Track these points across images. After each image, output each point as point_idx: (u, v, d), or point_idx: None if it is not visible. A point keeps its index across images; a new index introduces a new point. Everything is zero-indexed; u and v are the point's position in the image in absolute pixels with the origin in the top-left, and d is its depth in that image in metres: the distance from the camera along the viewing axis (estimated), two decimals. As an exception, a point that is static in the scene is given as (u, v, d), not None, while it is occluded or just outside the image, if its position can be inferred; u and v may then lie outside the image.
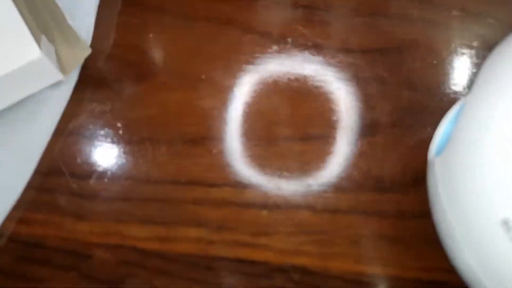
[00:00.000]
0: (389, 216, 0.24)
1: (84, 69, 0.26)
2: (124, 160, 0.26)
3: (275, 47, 0.27)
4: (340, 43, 0.27)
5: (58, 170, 0.25)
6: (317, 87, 0.26)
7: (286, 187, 0.25)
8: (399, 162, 0.25)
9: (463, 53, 0.26)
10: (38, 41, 0.22)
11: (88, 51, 0.24)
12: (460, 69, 0.26)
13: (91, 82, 0.26)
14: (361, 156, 0.25)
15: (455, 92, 0.26)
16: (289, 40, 0.27)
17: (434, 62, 0.26)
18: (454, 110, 0.19)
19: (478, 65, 0.26)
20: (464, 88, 0.26)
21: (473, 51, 0.26)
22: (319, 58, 0.27)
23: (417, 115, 0.25)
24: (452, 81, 0.26)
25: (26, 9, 0.23)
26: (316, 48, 0.27)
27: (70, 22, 0.25)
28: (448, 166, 0.17)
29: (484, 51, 0.26)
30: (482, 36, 0.26)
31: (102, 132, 0.26)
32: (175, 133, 0.25)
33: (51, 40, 0.24)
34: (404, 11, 0.27)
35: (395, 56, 0.26)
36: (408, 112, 0.25)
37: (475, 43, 0.26)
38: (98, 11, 0.26)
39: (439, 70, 0.26)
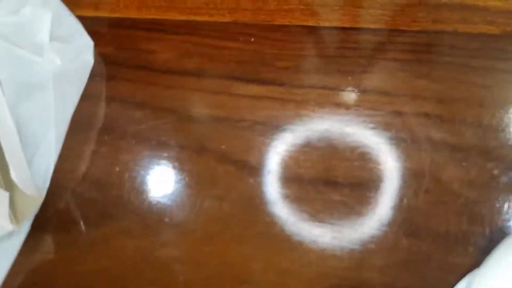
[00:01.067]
0: None
1: (43, 211, 0.24)
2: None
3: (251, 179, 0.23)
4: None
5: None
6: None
7: None
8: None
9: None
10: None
11: (39, 201, 0.23)
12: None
13: (47, 226, 0.24)
14: None
15: None
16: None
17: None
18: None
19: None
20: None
21: None
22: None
23: None
24: None
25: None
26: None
27: (14, 177, 0.22)
28: None
29: None
30: None
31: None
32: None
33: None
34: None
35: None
36: None
37: None
38: (67, 140, 0.25)
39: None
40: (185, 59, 0.27)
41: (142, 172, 0.25)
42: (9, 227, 0.22)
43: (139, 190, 0.25)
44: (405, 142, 0.24)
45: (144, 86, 0.27)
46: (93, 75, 0.27)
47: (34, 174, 0.23)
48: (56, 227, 0.24)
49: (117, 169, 0.25)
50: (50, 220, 0.24)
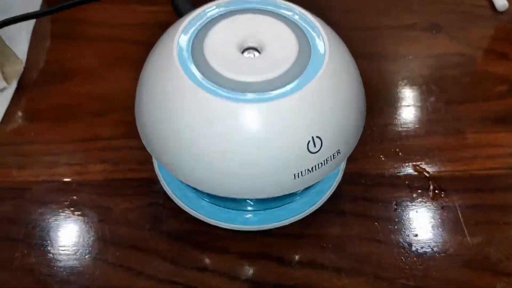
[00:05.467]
0: None
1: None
2: None
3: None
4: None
5: None
6: None
7: None
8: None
9: None
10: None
11: (22, 66, 0.33)
12: None
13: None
14: None
15: None
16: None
17: None
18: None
19: None
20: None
21: None
22: None
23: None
24: None
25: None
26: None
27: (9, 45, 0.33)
28: None
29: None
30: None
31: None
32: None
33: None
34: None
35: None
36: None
37: None
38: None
39: None
40: None
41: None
42: (3, 83, 0.32)
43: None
44: None
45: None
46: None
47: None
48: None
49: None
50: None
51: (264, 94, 0.19)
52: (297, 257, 0.25)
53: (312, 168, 0.20)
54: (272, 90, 0.20)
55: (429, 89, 0.33)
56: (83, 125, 0.30)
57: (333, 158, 0.21)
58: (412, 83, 0.33)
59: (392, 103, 0.32)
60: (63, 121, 0.31)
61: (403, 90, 0.33)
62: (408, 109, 0.32)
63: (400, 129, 0.31)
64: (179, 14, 0.28)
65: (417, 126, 0.31)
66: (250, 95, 0.19)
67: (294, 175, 0.20)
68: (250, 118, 0.19)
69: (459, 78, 0.33)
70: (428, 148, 0.30)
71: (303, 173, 0.20)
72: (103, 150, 0.29)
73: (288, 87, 0.20)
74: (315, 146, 0.20)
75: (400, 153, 0.29)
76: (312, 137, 0.20)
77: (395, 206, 0.27)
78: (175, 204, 0.26)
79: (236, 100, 0.19)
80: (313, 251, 0.25)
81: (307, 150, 0.20)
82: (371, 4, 0.38)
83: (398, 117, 0.31)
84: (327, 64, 0.20)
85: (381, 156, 0.29)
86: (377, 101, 0.32)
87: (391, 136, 0.30)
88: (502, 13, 0.38)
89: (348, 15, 0.37)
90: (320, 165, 0.20)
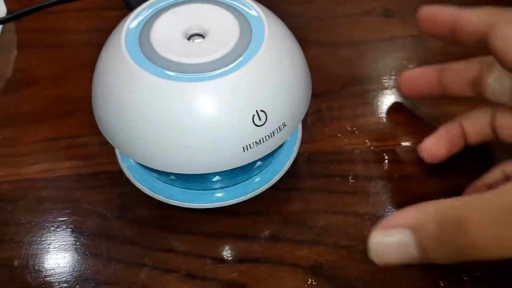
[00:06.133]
0: None
1: None
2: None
3: None
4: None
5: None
6: None
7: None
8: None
9: None
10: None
11: None
12: None
13: None
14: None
15: None
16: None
17: None
18: None
19: None
20: None
21: None
22: None
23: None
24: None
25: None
26: None
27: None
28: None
29: None
30: None
31: None
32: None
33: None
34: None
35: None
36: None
37: None
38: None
39: None
40: None
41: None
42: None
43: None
44: None
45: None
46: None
47: None
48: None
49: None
50: None
51: (208, 73, 0.21)
52: (260, 234, 0.26)
53: (259, 140, 0.22)
54: (216, 69, 0.21)
55: (384, 71, 0.34)
56: (49, 126, 0.31)
57: (279, 130, 0.22)
58: (367, 66, 0.35)
59: (349, 85, 0.34)
60: (30, 124, 0.32)
61: (359, 73, 0.34)
62: (364, 90, 0.33)
63: (355, 109, 0.32)
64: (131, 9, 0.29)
65: (373, 106, 0.32)
66: (195, 75, 0.21)
67: (243, 147, 0.21)
68: (197, 95, 0.20)
69: (413, 59, 0.35)
70: (382, 125, 0.31)
71: (252, 146, 0.21)
72: (69, 148, 0.30)
73: (231, 66, 0.21)
74: (260, 119, 0.21)
75: (356, 131, 0.31)
76: (257, 111, 0.21)
77: (351, 180, 0.28)
78: (142, 192, 0.27)
79: (183, 79, 0.20)
80: (275, 227, 0.27)
81: (252, 123, 0.21)
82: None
83: (354, 99, 0.33)
84: (267, 44, 0.22)
85: (338, 135, 0.31)
86: (335, 84, 0.34)
87: (347, 116, 0.32)
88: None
89: (310, 6, 0.39)
90: (267, 137, 0.22)
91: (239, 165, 0.22)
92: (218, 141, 0.21)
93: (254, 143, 0.21)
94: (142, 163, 0.22)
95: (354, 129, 0.31)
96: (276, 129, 0.22)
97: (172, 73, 0.21)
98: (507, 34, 0.22)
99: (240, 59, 0.21)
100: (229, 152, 0.21)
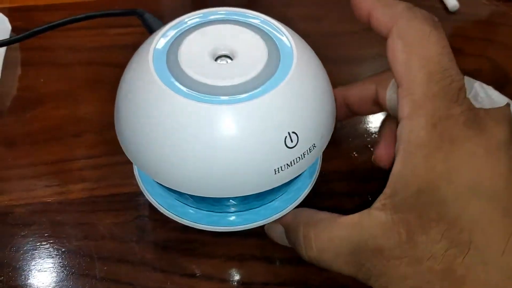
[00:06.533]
0: None
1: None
2: None
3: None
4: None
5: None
6: None
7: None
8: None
9: None
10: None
11: None
12: None
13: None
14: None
15: None
16: None
17: None
18: None
19: None
20: None
21: None
22: None
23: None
24: None
25: None
26: None
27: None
28: None
29: None
30: None
31: None
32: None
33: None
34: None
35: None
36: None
37: None
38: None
39: None
40: None
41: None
42: None
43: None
44: None
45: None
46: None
47: None
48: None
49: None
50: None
51: (239, 96, 0.20)
52: (284, 256, 0.26)
53: (291, 162, 0.21)
54: (247, 92, 0.21)
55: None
56: (60, 147, 0.31)
57: (310, 152, 0.22)
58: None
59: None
60: (40, 144, 0.31)
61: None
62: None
63: (369, 126, 0.32)
64: (151, 31, 0.29)
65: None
66: (226, 97, 0.20)
67: (275, 170, 0.21)
68: (230, 118, 0.20)
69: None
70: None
71: (283, 168, 0.21)
72: (82, 170, 0.29)
73: (262, 87, 0.21)
74: (292, 141, 0.21)
75: (371, 148, 0.31)
76: (289, 133, 0.21)
77: (370, 198, 0.28)
78: (161, 214, 0.26)
79: (214, 102, 0.20)
80: (298, 248, 0.26)
81: (284, 145, 0.21)
82: (335, 13, 0.40)
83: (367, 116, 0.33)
84: (296, 65, 0.21)
85: (354, 153, 0.31)
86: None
87: (362, 133, 0.32)
88: (454, 13, 0.40)
89: (317, 23, 0.39)
90: (298, 159, 0.21)
91: (270, 188, 0.21)
92: (250, 164, 0.20)
93: (286, 165, 0.21)
94: (170, 187, 0.22)
95: (369, 146, 0.31)
96: (307, 150, 0.22)
97: (203, 96, 0.20)
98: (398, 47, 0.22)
99: (271, 80, 0.21)
100: (261, 174, 0.21)
